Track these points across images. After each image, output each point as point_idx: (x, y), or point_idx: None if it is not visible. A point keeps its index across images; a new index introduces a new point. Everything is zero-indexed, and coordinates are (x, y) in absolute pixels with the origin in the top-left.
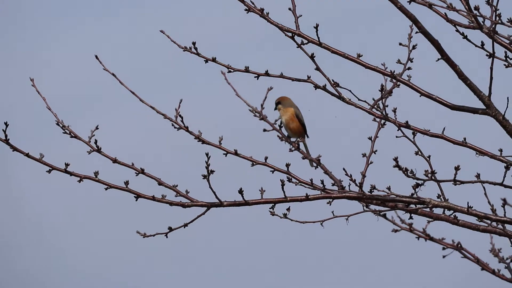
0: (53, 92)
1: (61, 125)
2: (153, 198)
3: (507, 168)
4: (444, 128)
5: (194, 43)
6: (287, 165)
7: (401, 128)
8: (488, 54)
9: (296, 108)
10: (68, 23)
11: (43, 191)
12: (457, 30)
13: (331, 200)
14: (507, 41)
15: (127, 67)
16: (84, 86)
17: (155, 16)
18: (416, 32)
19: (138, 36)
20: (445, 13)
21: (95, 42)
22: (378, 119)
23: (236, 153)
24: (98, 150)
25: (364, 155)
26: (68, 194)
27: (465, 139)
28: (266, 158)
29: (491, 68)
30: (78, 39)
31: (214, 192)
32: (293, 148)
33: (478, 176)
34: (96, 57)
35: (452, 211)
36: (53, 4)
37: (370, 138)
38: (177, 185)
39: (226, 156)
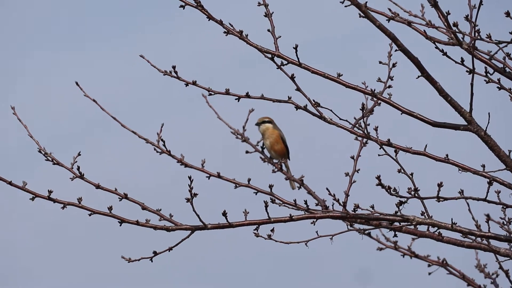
0: (35, 123)
1: (43, 152)
2: (137, 223)
3: (490, 183)
4: (426, 145)
5: (174, 67)
6: (270, 186)
7: (383, 146)
8: (468, 70)
9: (280, 131)
10: (46, 54)
11: (27, 218)
12: (437, 47)
13: (315, 220)
14: (487, 57)
15: (107, 93)
16: (65, 115)
17: (134, 42)
18: (396, 50)
19: (118, 62)
20: (424, 30)
21: (74, 70)
22: (360, 138)
23: (219, 176)
24: (81, 176)
25: (347, 174)
26: (51, 221)
27: (447, 155)
28: (249, 180)
29: (472, 84)
30: (58, 69)
31: (198, 215)
32: (276, 169)
33: (461, 192)
34: (77, 83)
35: (437, 228)
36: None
37: (352, 157)
38: (160, 209)
39: (209, 178)
